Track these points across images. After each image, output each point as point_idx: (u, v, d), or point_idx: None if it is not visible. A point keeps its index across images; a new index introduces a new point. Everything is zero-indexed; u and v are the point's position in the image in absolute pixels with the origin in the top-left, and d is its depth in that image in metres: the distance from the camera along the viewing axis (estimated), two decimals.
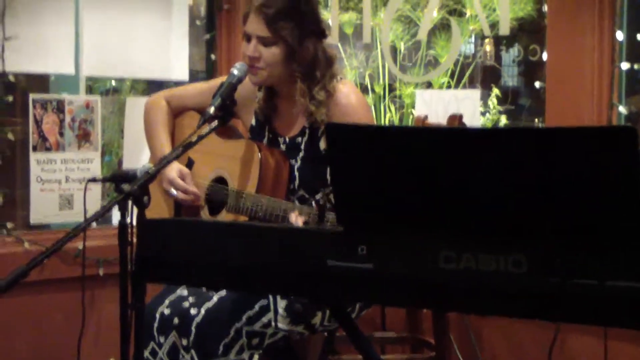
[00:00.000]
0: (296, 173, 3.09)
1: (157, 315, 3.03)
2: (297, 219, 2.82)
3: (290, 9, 3.00)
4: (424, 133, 2.03)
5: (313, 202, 2.84)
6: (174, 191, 3.17)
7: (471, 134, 1.89)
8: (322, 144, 3.07)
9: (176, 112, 3.42)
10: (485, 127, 4.06)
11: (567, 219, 1.72)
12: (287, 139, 3.15)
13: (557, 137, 1.72)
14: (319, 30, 3.09)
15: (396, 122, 4.58)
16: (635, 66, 3.61)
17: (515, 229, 1.76)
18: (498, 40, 4.43)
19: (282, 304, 2.82)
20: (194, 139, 2.79)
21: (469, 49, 4.65)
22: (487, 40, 4.52)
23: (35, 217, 4.24)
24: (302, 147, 3.10)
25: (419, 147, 1.86)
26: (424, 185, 1.84)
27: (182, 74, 4.70)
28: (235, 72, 2.98)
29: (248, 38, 3.05)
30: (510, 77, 5.00)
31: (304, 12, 3.04)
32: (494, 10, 4.07)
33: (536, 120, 4.43)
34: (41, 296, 4.08)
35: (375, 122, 4.02)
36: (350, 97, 3.08)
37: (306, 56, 3.03)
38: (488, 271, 1.77)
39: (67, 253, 4.00)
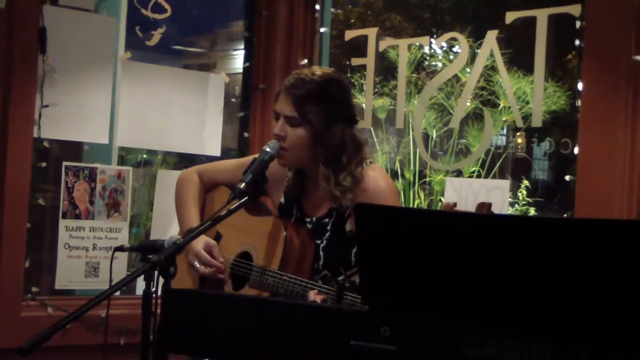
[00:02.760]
0: (321, 253, 3.08)
1: None
2: (315, 297, 2.82)
3: (320, 93, 3.02)
4: (452, 218, 2.03)
5: (334, 282, 2.84)
6: (197, 264, 3.17)
7: (500, 221, 1.89)
8: (348, 226, 3.07)
9: (208, 187, 3.44)
10: (515, 215, 4.05)
11: (593, 311, 1.71)
12: (314, 219, 3.15)
13: (587, 229, 1.71)
14: (349, 116, 3.10)
15: (425, 208, 4.58)
16: None
17: (541, 318, 1.75)
18: (530, 133, 4.44)
19: None
20: (223, 213, 2.80)
21: (501, 139, 4.67)
22: (519, 133, 4.54)
23: (60, 283, 4.26)
24: (329, 227, 3.10)
25: (447, 232, 1.86)
26: (450, 269, 1.84)
27: (215, 150, 4.74)
28: (268, 149, 2.99)
29: (277, 116, 3.08)
30: (541, 169, 5.01)
31: (334, 97, 3.06)
32: (527, 102, 4.09)
33: (565, 214, 4.41)
34: None
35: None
36: (379, 181, 3.08)
37: (332, 141, 3.04)
38: (511, 359, 1.76)
39: (90, 320, 4.01)
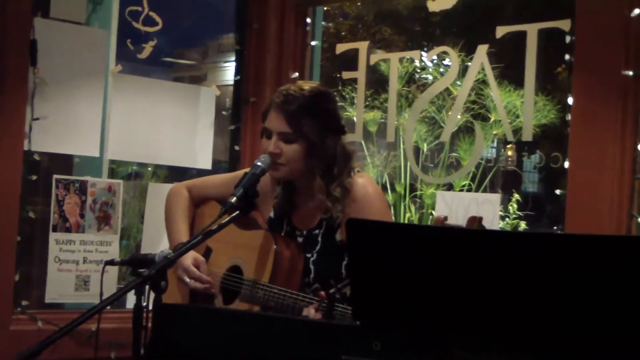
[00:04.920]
0: (311, 267, 3.09)
1: None
2: (309, 311, 2.81)
3: (311, 107, 3.03)
4: (443, 233, 2.03)
5: (324, 294, 2.83)
6: (187, 279, 3.18)
7: (491, 236, 1.89)
8: (339, 236, 3.08)
9: (198, 202, 3.44)
10: (506, 230, 4.06)
11: (582, 328, 1.71)
12: (305, 232, 3.15)
13: (578, 244, 1.72)
14: (339, 127, 3.12)
15: (415, 222, 4.59)
16: None
17: (531, 334, 1.75)
18: (520, 146, 4.46)
19: None
20: (214, 227, 2.80)
21: (491, 153, 4.69)
22: (509, 146, 4.55)
23: (50, 297, 4.25)
24: (319, 239, 3.11)
25: (438, 247, 1.86)
26: (441, 284, 1.84)
27: (206, 163, 4.73)
28: (259, 164, 2.99)
29: (269, 135, 3.08)
30: (531, 183, 5.02)
31: (325, 110, 3.08)
32: (518, 116, 4.10)
33: (555, 227, 4.43)
34: None
35: (391, 213, 4.03)
36: (368, 188, 3.08)
37: (326, 152, 3.06)
38: None
39: (80, 334, 3.99)
